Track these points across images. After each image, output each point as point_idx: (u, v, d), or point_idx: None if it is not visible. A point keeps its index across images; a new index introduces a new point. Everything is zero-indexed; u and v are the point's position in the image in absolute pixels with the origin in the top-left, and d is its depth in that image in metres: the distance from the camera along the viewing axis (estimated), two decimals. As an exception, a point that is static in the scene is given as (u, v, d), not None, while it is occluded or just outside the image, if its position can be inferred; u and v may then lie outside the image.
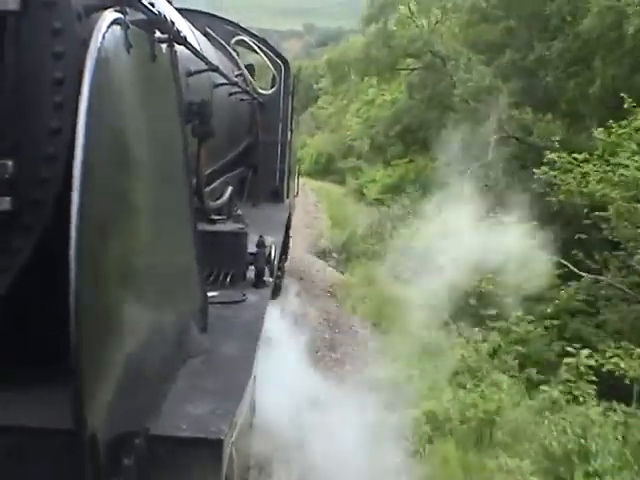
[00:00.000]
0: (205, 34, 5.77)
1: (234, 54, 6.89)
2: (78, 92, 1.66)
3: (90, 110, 1.59)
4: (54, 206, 1.85)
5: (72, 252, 1.51)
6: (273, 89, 7.89)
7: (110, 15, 1.79)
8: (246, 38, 7.75)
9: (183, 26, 3.89)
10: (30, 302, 2.01)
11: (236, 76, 6.16)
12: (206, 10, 7.88)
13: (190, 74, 3.61)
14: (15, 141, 1.79)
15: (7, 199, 1.80)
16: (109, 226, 1.79)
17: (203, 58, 3.71)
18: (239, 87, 5.81)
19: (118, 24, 1.86)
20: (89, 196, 1.58)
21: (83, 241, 1.56)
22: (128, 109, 1.91)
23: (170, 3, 3.89)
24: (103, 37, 1.69)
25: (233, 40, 7.28)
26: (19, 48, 1.81)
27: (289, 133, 8.67)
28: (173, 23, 2.52)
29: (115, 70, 1.80)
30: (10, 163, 1.77)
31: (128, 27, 1.94)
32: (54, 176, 1.83)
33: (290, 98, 8.53)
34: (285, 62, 8.41)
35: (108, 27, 1.73)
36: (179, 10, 4.19)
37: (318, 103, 42.01)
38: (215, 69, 4.15)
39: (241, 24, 8.13)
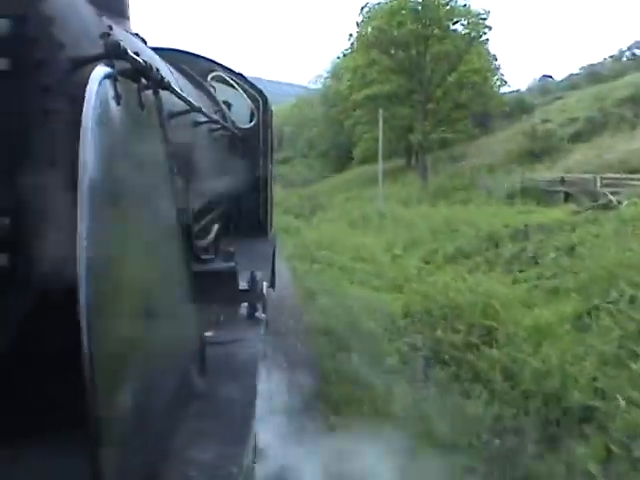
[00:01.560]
0: (183, 72, 5.83)
1: (212, 90, 6.95)
2: (71, 149, 1.67)
3: (89, 169, 1.60)
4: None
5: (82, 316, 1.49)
6: (252, 123, 7.95)
7: (100, 71, 1.81)
8: (223, 74, 7.81)
9: (164, 69, 3.92)
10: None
11: (215, 112, 6.21)
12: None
13: (172, 116, 3.64)
14: (12, 198, 1.79)
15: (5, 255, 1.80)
16: (112, 281, 1.77)
17: (185, 100, 3.74)
18: (219, 124, 5.85)
19: (107, 78, 1.89)
20: (91, 252, 1.58)
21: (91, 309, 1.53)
22: (122, 162, 1.93)
23: (145, 43, 3.92)
24: (97, 96, 1.70)
25: (210, 76, 7.35)
26: (10, 107, 1.82)
27: (270, 166, 8.71)
28: (158, 70, 2.55)
29: (108, 125, 1.82)
30: (7, 220, 1.77)
31: (117, 79, 1.97)
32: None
33: (269, 131, 8.59)
34: (262, 95, 8.48)
35: (99, 84, 1.75)
36: (155, 49, 4.22)
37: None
38: (198, 110, 4.18)
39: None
